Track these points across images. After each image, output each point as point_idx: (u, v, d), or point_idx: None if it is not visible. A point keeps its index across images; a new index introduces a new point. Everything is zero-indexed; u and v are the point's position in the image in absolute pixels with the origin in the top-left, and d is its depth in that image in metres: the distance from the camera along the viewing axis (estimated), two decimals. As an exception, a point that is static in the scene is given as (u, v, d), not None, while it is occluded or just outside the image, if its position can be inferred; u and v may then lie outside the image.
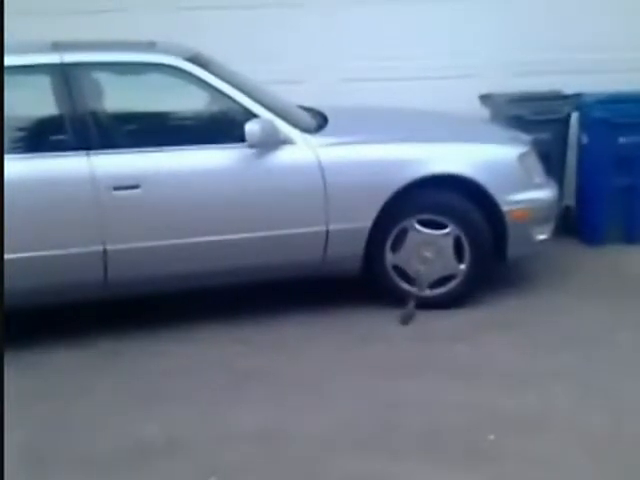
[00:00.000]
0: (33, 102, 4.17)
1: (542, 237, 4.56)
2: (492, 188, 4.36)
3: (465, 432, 3.28)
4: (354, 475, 3.05)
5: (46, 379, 3.86)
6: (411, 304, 4.38)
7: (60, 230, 4.01)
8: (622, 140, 5.28)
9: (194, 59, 4.28)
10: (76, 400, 3.67)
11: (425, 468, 3.06)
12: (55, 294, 4.10)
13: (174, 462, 3.16)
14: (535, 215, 4.47)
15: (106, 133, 4.13)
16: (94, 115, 4.11)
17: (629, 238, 5.38)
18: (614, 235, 5.37)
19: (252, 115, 4.17)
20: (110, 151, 4.07)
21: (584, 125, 5.49)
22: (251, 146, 4.13)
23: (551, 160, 5.25)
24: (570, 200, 5.64)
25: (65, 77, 4.07)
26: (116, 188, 4.01)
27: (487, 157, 4.47)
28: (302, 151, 4.24)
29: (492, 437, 3.23)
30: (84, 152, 4.02)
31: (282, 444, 3.26)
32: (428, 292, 4.46)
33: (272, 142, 4.17)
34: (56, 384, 3.82)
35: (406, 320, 4.31)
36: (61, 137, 4.10)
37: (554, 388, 3.59)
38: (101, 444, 3.31)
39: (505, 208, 4.37)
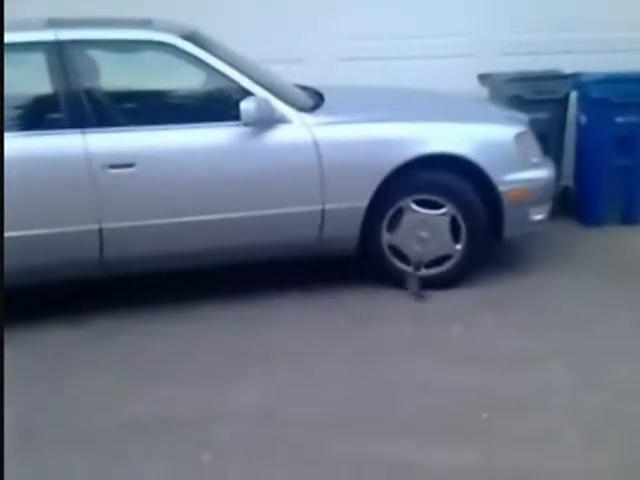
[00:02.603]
0: (28, 80, 4.14)
1: (539, 217, 4.54)
2: (488, 168, 4.34)
3: (459, 412, 3.29)
4: (346, 454, 3.06)
5: (42, 358, 3.87)
6: (414, 283, 4.37)
7: (55, 208, 4.01)
8: (620, 120, 5.27)
9: (190, 37, 4.25)
10: (72, 379, 3.67)
11: (411, 445, 3.08)
12: (51, 272, 4.10)
13: (169, 440, 3.18)
14: (532, 195, 4.45)
15: (101, 111, 4.11)
16: (89, 93, 4.09)
17: (627, 218, 5.38)
18: (612, 215, 5.36)
19: (248, 93, 4.15)
20: (105, 129, 4.06)
21: (583, 105, 5.46)
22: (246, 124, 4.12)
23: (550, 140, 5.25)
24: (568, 180, 5.63)
25: (60, 55, 4.05)
26: (111, 166, 4.00)
27: (484, 137, 4.45)
28: (298, 130, 4.22)
29: (485, 416, 3.25)
30: (79, 130, 4.01)
31: (277, 423, 3.27)
32: (424, 272, 4.45)
33: (268, 120, 4.15)
34: (52, 363, 3.83)
35: (419, 297, 4.33)
36: (56, 115, 4.08)
37: (551, 368, 3.60)
38: (97, 423, 3.32)
39: (501, 188, 4.36)
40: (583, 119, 5.45)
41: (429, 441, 3.11)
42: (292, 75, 4.82)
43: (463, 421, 3.22)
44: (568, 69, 5.51)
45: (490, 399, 3.37)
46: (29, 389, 3.58)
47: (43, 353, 3.91)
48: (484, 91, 5.70)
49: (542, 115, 5.32)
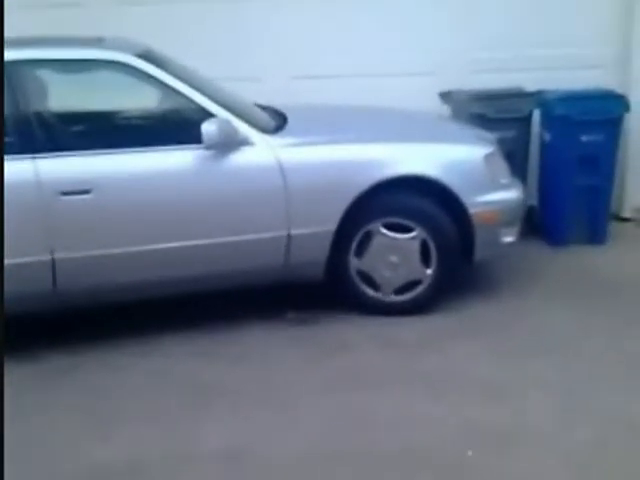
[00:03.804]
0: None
1: (509, 239, 4.44)
2: (459, 190, 4.22)
3: (442, 448, 3.13)
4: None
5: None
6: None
7: (5, 238, 3.73)
8: (584, 138, 5.19)
9: (145, 55, 4.06)
10: (29, 419, 3.43)
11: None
12: (4, 305, 3.83)
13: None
14: (502, 217, 4.34)
15: (53, 135, 3.88)
16: (40, 116, 3.86)
17: (593, 238, 5.30)
18: (578, 235, 5.28)
19: (208, 114, 3.96)
20: (58, 154, 3.83)
21: (546, 123, 5.39)
22: (208, 147, 3.93)
23: (514, 159, 5.14)
24: (533, 200, 5.54)
25: (8, 75, 3.79)
26: (64, 193, 3.76)
27: (453, 157, 4.33)
28: (262, 152, 4.05)
29: (470, 453, 3.09)
30: (29, 155, 3.78)
31: (249, 465, 3.08)
32: (394, 298, 4.30)
33: (230, 143, 3.97)
34: (7, 402, 3.55)
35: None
36: (5, 139, 3.82)
37: (530, 399, 3.47)
38: (57, 467, 3.10)
39: (472, 210, 4.24)
40: (547, 137, 5.38)
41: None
42: (249, 94, 4.64)
43: (448, 459, 3.06)
44: (531, 87, 5.45)
45: (473, 434, 3.21)
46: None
47: (-3, 391, 3.64)
48: (446, 109, 5.60)
49: (506, 134, 5.21)
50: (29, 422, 3.41)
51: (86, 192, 3.78)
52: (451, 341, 4.03)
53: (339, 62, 5.65)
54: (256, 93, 4.78)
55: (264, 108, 4.57)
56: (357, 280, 4.28)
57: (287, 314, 4.28)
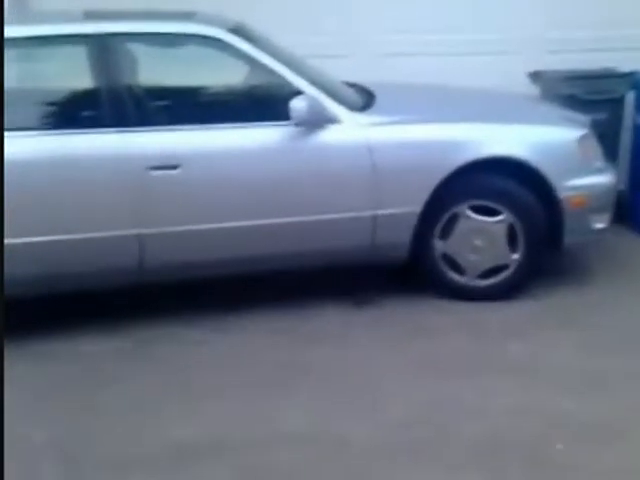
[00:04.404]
0: (65, 75, 3.92)
1: (600, 225, 4.29)
2: (549, 173, 4.09)
3: (529, 441, 3.05)
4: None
5: (79, 370, 3.65)
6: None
7: (93, 212, 3.78)
8: (681, 122, 5.00)
9: (236, 30, 4.02)
10: (110, 394, 3.46)
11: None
12: (88, 279, 3.88)
13: (219, 466, 2.95)
14: (594, 202, 4.20)
15: (143, 109, 3.88)
16: (131, 90, 3.86)
17: (685, 226, 5.11)
18: (669, 223, 5.10)
19: (297, 91, 3.91)
20: (147, 128, 3.82)
21: (640, 105, 5.20)
22: (296, 124, 3.88)
23: (605, 142, 4.96)
24: (622, 185, 5.35)
25: (99, 48, 3.81)
26: (153, 168, 3.76)
27: (545, 139, 4.20)
28: (349, 130, 3.98)
29: (560, 446, 3.00)
30: (120, 129, 3.77)
31: (331, 448, 3.04)
32: (478, 282, 4.21)
33: (318, 120, 3.91)
34: (90, 376, 3.61)
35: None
36: (95, 113, 3.86)
37: (619, 391, 3.36)
38: (139, 443, 3.10)
39: (562, 194, 4.11)
40: (640, 120, 5.19)
41: (498, 476, 2.86)
42: (335, 71, 4.56)
43: (536, 452, 2.98)
44: (624, 67, 5.25)
45: (563, 427, 3.12)
46: (65, 406, 3.37)
47: (80, 365, 3.69)
48: (534, 90, 5.43)
49: (597, 116, 5.02)
50: (110, 398, 3.43)
51: (174, 167, 3.78)
52: (537, 329, 3.93)
53: (426, 40, 5.53)
54: (341, 70, 4.71)
55: (352, 86, 4.49)
56: (441, 263, 4.20)
57: (357, 295, 4.22)
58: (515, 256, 4.18)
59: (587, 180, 4.20)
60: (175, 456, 3.01)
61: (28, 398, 3.40)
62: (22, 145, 3.69)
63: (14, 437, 3.08)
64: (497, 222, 4.14)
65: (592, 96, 5.13)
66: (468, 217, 4.13)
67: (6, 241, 3.58)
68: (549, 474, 2.86)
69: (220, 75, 4.09)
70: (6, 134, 3.62)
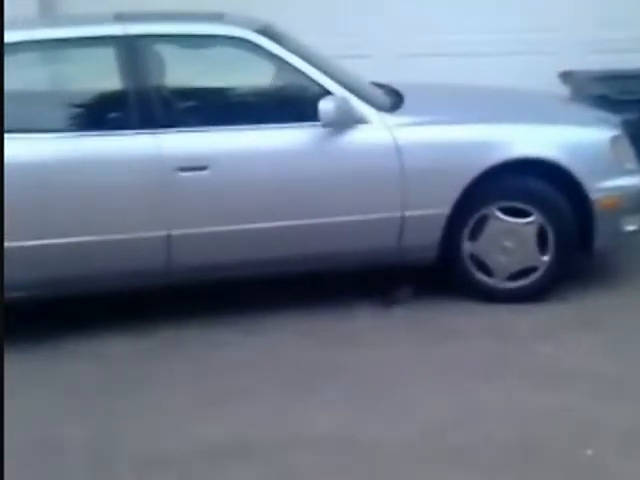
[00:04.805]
0: (96, 76, 3.94)
1: (632, 227, 4.24)
2: (581, 174, 4.05)
3: (559, 445, 3.00)
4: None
5: (106, 371, 3.66)
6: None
7: (121, 213, 3.79)
8: None
9: (264, 31, 4.02)
10: (137, 394, 3.46)
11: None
12: (114, 280, 3.90)
13: (246, 468, 2.94)
14: (625, 204, 4.15)
15: (172, 110, 3.90)
16: (159, 91, 3.87)
17: None
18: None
19: (326, 92, 3.90)
20: (176, 129, 3.83)
21: (672, 106, 5.13)
22: (325, 125, 3.86)
23: (637, 143, 4.91)
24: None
25: (129, 50, 3.83)
26: (182, 169, 3.77)
27: (576, 140, 4.16)
28: (378, 131, 3.96)
29: (590, 452, 2.96)
30: (149, 130, 3.78)
31: (360, 452, 3.01)
32: (507, 285, 4.17)
33: (347, 121, 3.90)
34: (117, 377, 3.62)
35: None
36: (124, 115, 3.87)
37: (655, 398, 3.31)
38: (165, 445, 3.10)
39: (594, 196, 4.06)
40: (672, 121, 5.11)
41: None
42: (359, 71, 4.54)
43: (565, 458, 2.94)
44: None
45: (594, 432, 3.08)
46: (93, 406, 3.38)
47: (107, 366, 3.70)
48: (564, 90, 5.39)
49: (629, 116, 4.97)
50: (137, 398, 3.43)
51: (203, 168, 3.78)
52: (567, 332, 3.88)
53: (456, 40, 5.51)
54: (367, 71, 4.68)
55: (380, 86, 4.48)
56: (470, 265, 4.16)
57: (394, 293, 4.20)
58: (545, 258, 4.14)
59: (619, 181, 4.14)
60: (202, 457, 3.01)
61: (57, 398, 3.42)
62: (53, 147, 3.72)
63: (43, 437, 3.13)
64: (527, 223, 4.10)
65: (624, 96, 5.09)
66: (498, 218, 4.09)
67: (37, 242, 3.64)
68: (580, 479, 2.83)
69: (248, 76, 4.08)
70: (38, 136, 3.68)
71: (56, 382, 3.55)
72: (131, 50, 3.83)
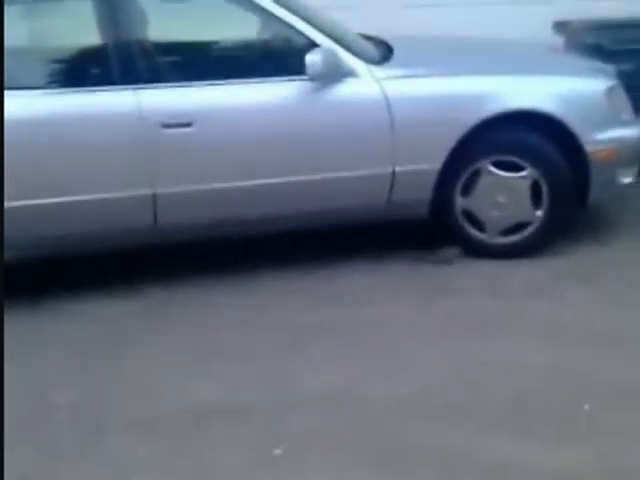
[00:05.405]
0: (74, 31, 3.81)
1: (627, 180, 4.17)
2: (576, 126, 3.95)
3: (555, 400, 2.96)
4: (436, 448, 2.74)
5: (95, 331, 3.59)
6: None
7: (104, 172, 3.69)
8: None
9: (249, -18, 3.88)
10: (127, 355, 3.40)
11: (515, 441, 2.75)
12: (101, 240, 3.82)
13: (238, 429, 2.88)
14: (621, 156, 4.07)
15: (154, 65, 3.78)
16: (141, 45, 3.75)
17: None
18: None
19: (313, 44, 3.78)
20: (159, 85, 3.72)
21: (669, 55, 5.02)
22: (312, 79, 3.76)
23: (633, 94, 4.81)
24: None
25: (108, 3, 3.70)
26: (166, 126, 3.66)
27: (570, 91, 4.06)
28: (367, 84, 3.86)
29: (587, 407, 2.91)
30: (131, 86, 3.67)
31: (353, 411, 2.96)
32: (501, 240, 4.10)
33: (335, 74, 3.79)
34: (106, 337, 3.56)
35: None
36: (104, 70, 3.76)
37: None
38: (157, 405, 3.04)
39: (589, 148, 3.97)
40: (669, 71, 5.00)
41: (526, 436, 2.77)
42: (348, 23, 4.41)
43: (562, 413, 2.89)
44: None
45: (591, 386, 3.02)
46: (82, 367, 3.32)
47: (96, 326, 3.63)
48: (559, 40, 5.27)
49: (625, 66, 4.86)
50: (128, 356, 3.39)
51: (187, 125, 3.68)
52: (562, 287, 3.81)
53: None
54: (358, 23, 4.56)
55: (369, 39, 4.35)
56: (462, 220, 4.09)
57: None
58: (539, 213, 4.06)
59: (614, 133, 4.06)
60: (193, 418, 2.95)
61: (46, 361, 3.36)
62: (30, 104, 3.62)
63: (34, 400, 3.07)
64: (521, 178, 4.01)
65: (619, 46, 4.96)
66: (490, 173, 4.01)
67: (18, 203, 3.54)
68: (577, 435, 2.77)
69: (232, 29, 3.96)
70: (14, 93, 3.55)
71: (45, 343, 3.49)
72: (110, 4, 3.71)
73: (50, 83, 3.73)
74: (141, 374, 3.27)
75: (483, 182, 4.02)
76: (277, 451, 2.76)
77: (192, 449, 2.79)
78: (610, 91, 4.07)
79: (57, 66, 3.78)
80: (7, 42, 3.42)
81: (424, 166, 3.93)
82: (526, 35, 4.96)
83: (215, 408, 3.01)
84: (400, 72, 3.94)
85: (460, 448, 2.74)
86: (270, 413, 2.98)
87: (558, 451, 2.68)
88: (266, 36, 4.02)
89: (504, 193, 4.03)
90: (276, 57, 3.97)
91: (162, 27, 3.91)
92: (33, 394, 3.11)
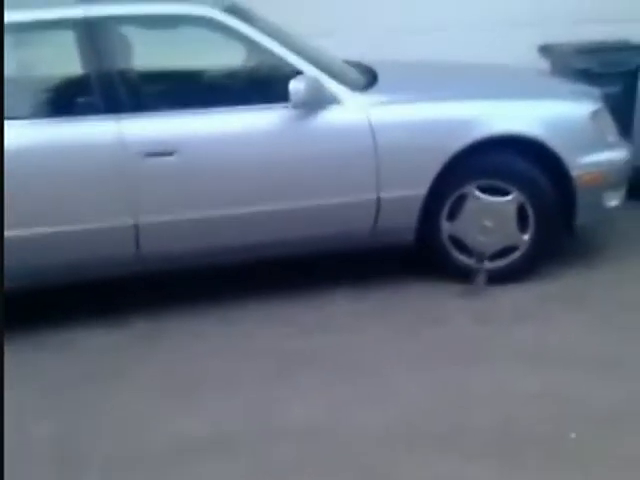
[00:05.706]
0: (56, 61, 3.82)
1: (613, 203, 4.15)
2: (561, 150, 3.94)
3: (542, 429, 2.92)
4: (421, 477, 2.71)
5: (79, 363, 3.57)
6: (480, 277, 4.01)
7: (87, 202, 3.67)
8: (697, 94, 4.83)
9: (231, 10, 3.89)
10: (111, 388, 3.37)
11: (500, 470, 2.72)
12: (85, 270, 3.79)
13: (222, 463, 2.85)
14: (607, 179, 4.06)
15: (137, 94, 3.77)
16: (123, 75, 3.74)
17: None
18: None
19: (296, 72, 3.77)
20: (141, 114, 3.71)
21: (655, 78, 5.02)
22: (295, 106, 3.74)
23: (619, 116, 4.81)
24: (638, 161, 5.17)
25: (90, 33, 3.70)
26: (148, 155, 3.64)
27: (555, 115, 4.05)
28: (351, 111, 3.85)
29: (573, 435, 2.88)
30: (113, 115, 3.66)
31: (339, 442, 2.93)
32: (488, 265, 4.07)
33: (318, 101, 3.77)
34: (89, 368, 3.53)
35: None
36: (87, 99, 3.74)
37: (637, 374, 3.23)
38: (139, 440, 3.01)
39: (575, 172, 3.96)
40: (655, 93, 5.02)
41: (512, 464, 2.75)
42: (333, 50, 4.40)
43: (548, 442, 2.85)
44: (638, 39, 5.08)
45: (579, 413, 2.99)
46: (65, 399, 3.29)
47: (80, 358, 3.61)
48: (545, 64, 5.28)
49: (610, 89, 4.87)
50: (110, 390, 3.35)
51: (170, 154, 3.66)
52: (550, 312, 3.80)
53: (432, 14, 5.38)
54: (342, 49, 4.56)
55: (354, 65, 4.35)
56: (449, 245, 4.07)
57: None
58: (526, 237, 4.04)
59: (600, 157, 4.04)
60: (179, 451, 2.92)
61: (28, 394, 3.32)
62: (14, 134, 3.58)
63: (15, 433, 3.01)
64: (506, 202, 4.00)
65: (605, 69, 4.98)
66: (476, 197, 3.99)
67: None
68: (562, 464, 2.74)
69: (215, 57, 3.96)
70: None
71: (27, 375, 3.45)
72: (93, 33, 3.70)
73: (32, 113, 3.72)
74: (125, 407, 3.23)
75: (469, 207, 4.01)
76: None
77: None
78: (595, 115, 4.06)
79: (39, 96, 3.78)
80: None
81: (409, 192, 3.91)
82: (511, 59, 4.96)
83: (200, 442, 2.97)
84: (384, 98, 3.93)
85: (445, 478, 2.70)
86: (255, 445, 2.95)
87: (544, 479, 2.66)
88: (249, 64, 4.01)
89: (490, 218, 4.01)
90: (259, 85, 3.96)
91: (145, 56, 3.91)
92: (14, 427, 3.05)
